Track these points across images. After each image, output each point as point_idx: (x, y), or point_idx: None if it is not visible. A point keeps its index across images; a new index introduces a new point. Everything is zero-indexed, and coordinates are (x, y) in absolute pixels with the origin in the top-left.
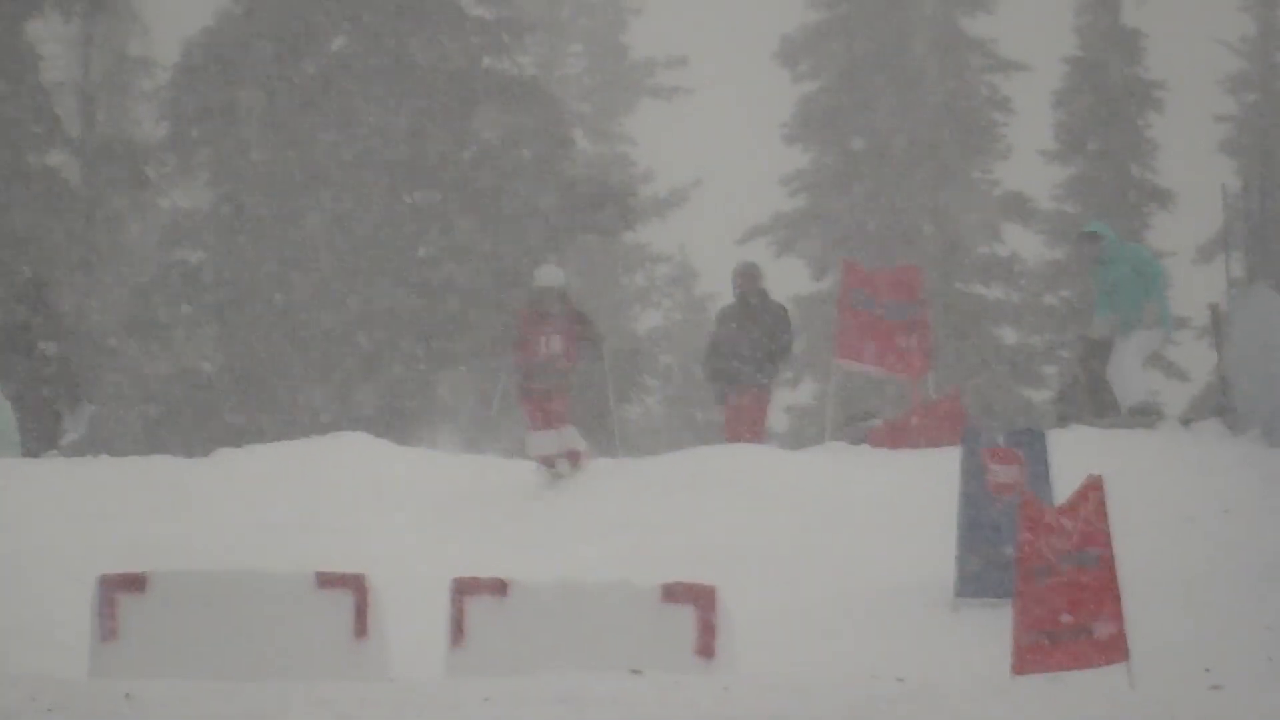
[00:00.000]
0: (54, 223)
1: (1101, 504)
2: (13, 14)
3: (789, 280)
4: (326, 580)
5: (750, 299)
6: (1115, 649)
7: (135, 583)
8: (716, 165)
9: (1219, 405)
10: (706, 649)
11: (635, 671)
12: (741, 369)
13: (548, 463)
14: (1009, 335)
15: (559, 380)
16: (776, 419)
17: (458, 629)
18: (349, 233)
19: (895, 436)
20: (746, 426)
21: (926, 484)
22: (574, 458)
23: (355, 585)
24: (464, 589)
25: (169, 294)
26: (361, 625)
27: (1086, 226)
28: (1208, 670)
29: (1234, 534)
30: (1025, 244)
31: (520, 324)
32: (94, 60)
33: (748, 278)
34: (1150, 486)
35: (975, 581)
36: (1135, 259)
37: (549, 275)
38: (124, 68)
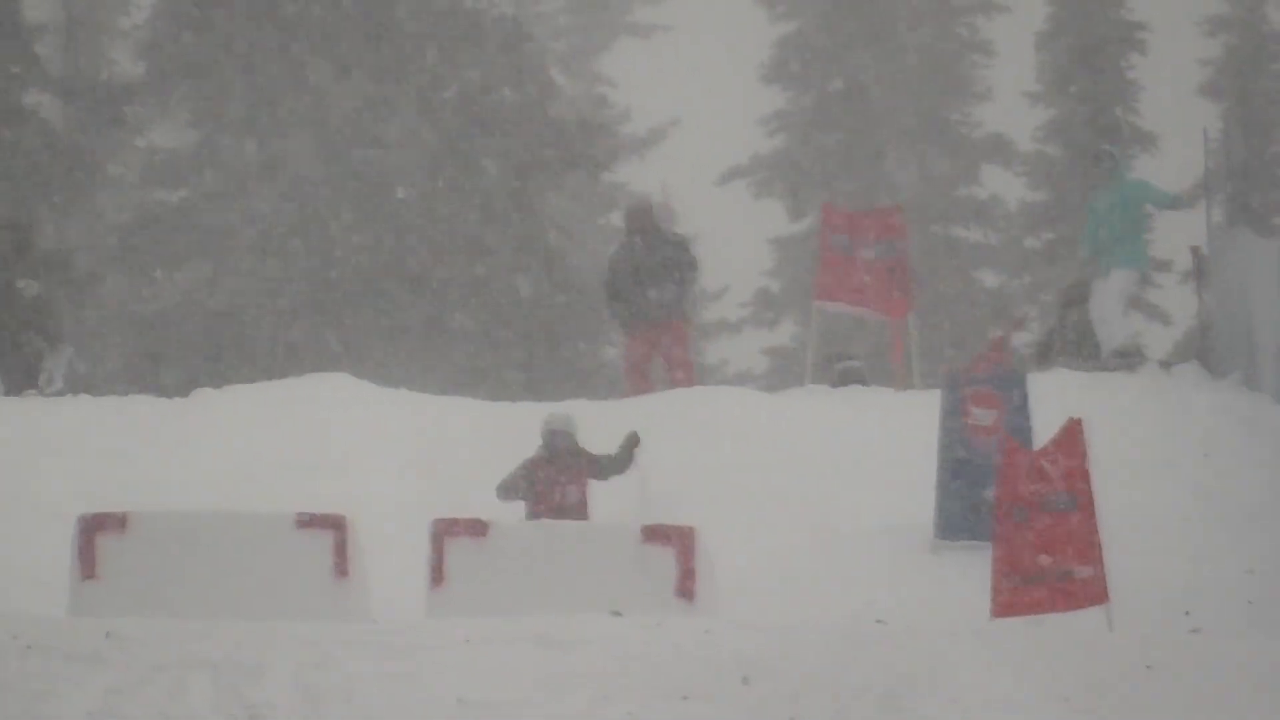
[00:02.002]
0: (33, 162)
1: (1081, 447)
2: None
3: (767, 221)
4: (307, 520)
5: (636, 239)
6: (1094, 591)
7: (115, 522)
8: (695, 105)
9: (1200, 348)
10: (687, 590)
11: (616, 613)
12: (644, 308)
13: None
14: (989, 277)
15: None
16: (755, 360)
17: (438, 570)
18: (328, 171)
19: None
20: (675, 370)
21: (906, 426)
22: None
23: (336, 525)
24: (444, 530)
25: (149, 234)
26: (342, 565)
27: (1102, 145)
28: (1187, 613)
29: (1214, 477)
30: (1006, 185)
31: (533, 473)
32: None
33: (634, 217)
34: (1130, 429)
35: (955, 524)
36: (1135, 190)
37: (561, 421)
38: (104, 5)
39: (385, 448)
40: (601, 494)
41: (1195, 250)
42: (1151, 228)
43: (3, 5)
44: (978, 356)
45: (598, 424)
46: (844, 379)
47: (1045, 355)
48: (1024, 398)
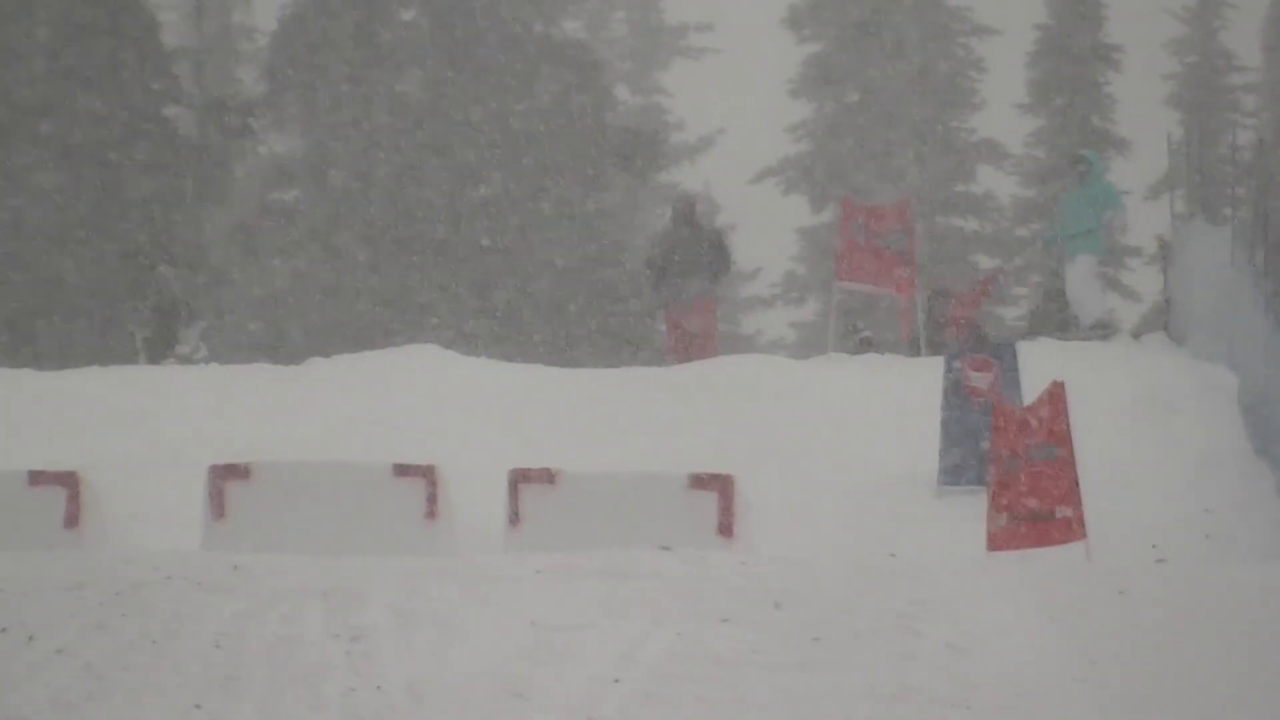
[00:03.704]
0: (171, 166)
1: (1063, 405)
2: None
3: (794, 214)
4: (402, 470)
5: (680, 230)
6: (1074, 529)
7: (240, 471)
8: (736, 115)
9: (1164, 321)
10: (726, 529)
11: (665, 548)
12: (679, 288)
13: None
14: (984, 261)
15: None
16: (785, 332)
17: (514, 512)
18: (419, 175)
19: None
20: (698, 339)
21: (913, 389)
22: None
23: (427, 474)
24: (519, 478)
25: (268, 226)
26: (432, 509)
27: (1079, 151)
28: (1154, 546)
29: (1176, 430)
30: (999, 183)
31: None
32: (205, 26)
33: (679, 211)
34: (1105, 390)
35: (955, 472)
36: (1102, 192)
37: None
38: (230, 33)
39: (469, 408)
40: (652, 449)
41: (1161, 238)
42: (1124, 223)
43: (145, 33)
44: (966, 292)
45: (651, 387)
46: (860, 347)
47: (1033, 319)
48: (1014, 363)
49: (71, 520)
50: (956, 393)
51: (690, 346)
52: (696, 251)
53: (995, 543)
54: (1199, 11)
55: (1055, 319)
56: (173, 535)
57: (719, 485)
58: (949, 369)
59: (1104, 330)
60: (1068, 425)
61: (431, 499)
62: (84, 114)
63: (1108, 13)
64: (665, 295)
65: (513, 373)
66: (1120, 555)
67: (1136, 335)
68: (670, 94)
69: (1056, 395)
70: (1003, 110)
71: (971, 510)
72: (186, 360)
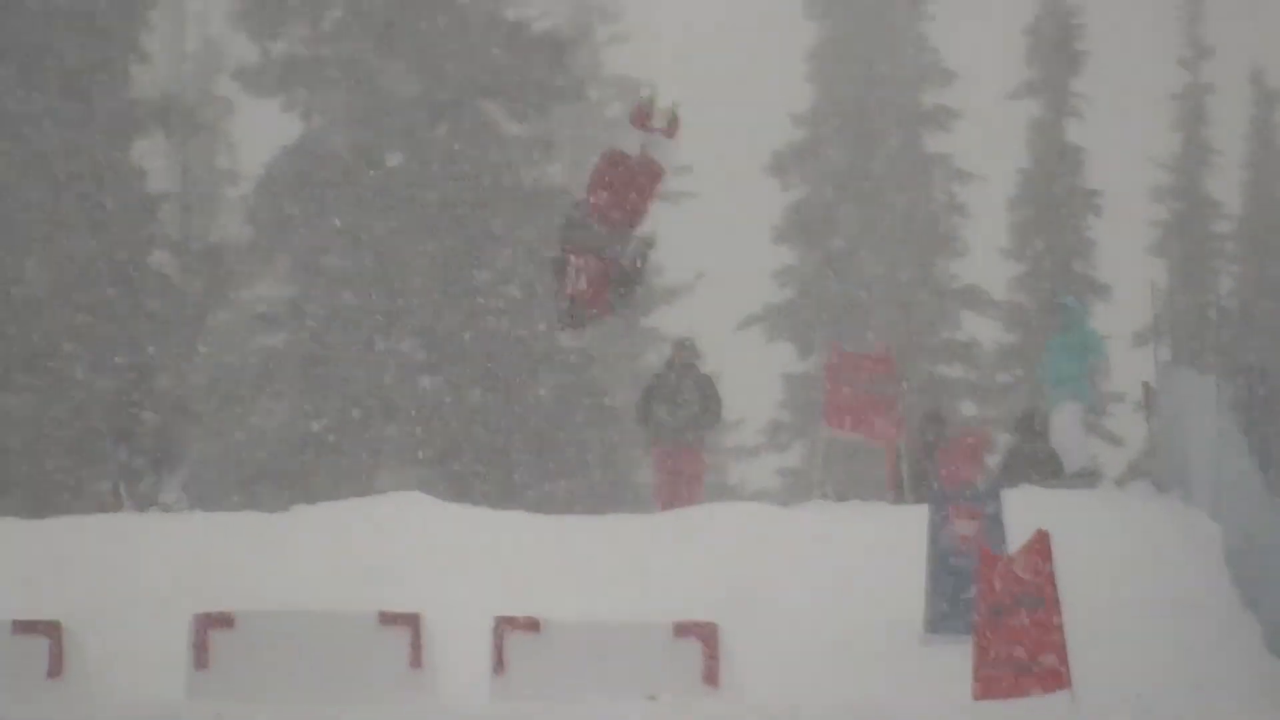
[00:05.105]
0: (155, 313)
1: (1048, 554)
2: (124, 134)
3: (779, 360)
4: (387, 618)
5: (672, 373)
6: (1059, 679)
7: (224, 620)
8: (718, 260)
9: (1150, 469)
10: (712, 678)
11: (651, 697)
12: (668, 431)
13: None
14: (968, 408)
15: None
16: (769, 480)
17: (499, 660)
18: (405, 325)
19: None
20: (685, 486)
21: (899, 536)
22: None
23: (411, 622)
24: (504, 626)
25: (252, 373)
26: (417, 657)
27: (1060, 297)
28: (1139, 696)
29: (1159, 577)
30: (982, 329)
31: None
32: (190, 172)
33: (678, 351)
34: (1090, 538)
35: (942, 620)
36: (1085, 339)
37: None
38: (214, 178)
39: (454, 555)
40: (636, 596)
41: (1146, 385)
42: (1107, 369)
43: (131, 180)
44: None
45: (637, 534)
46: (839, 497)
47: (1011, 472)
48: (999, 511)
49: (55, 670)
50: (942, 540)
51: (678, 492)
52: (688, 396)
53: (982, 691)
54: (1183, 159)
55: (1034, 462)
56: (156, 684)
57: (704, 633)
58: (934, 516)
59: (1088, 477)
60: (1053, 574)
61: (416, 647)
62: (65, 259)
63: (1087, 157)
64: (651, 433)
65: (497, 519)
66: (1105, 706)
67: (1122, 483)
68: (648, 242)
69: (1042, 544)
70: (986, 255)
71: (957, 658)
72: (169, 508)
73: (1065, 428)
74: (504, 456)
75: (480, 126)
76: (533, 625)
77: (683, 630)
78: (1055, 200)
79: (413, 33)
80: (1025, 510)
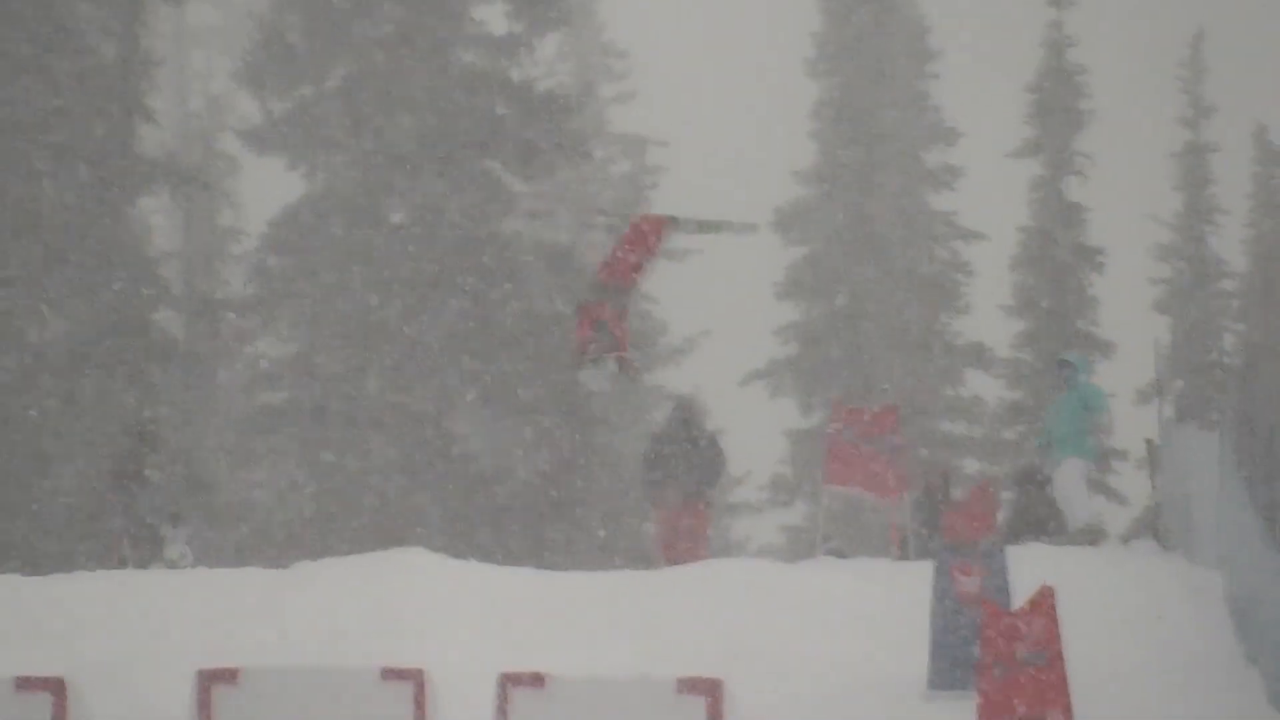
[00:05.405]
0: (159, 370)
1: (1053, 610)
2: (129, 193)
3: (782, 417)
4: (390, 674)
5: (678, 429)
6: None
7: (228, 676)
8: (721, 318)
9: (1154, 526)
10: None
11: None
12: (673, 486)
13: None
14: (971, 465)
15: None
16: (773, 536)
17: (503, 716)
18: (405, 386)
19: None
20: (689, 542)
21: (901, 593)
22: None
23: (415, 678)
24: (508, 681)
25: (255, 429)
26: (421, 713)
27: (1062, 355)
28: None
29: (1164, 636)
30: (986, 386)
31: None
32: (193, 230)
33: (682, 408)
34: (1094, 595)
35: (945, 676)
36: (1087, 395)
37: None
38: (217, 235)
39: (458, 611)
40: (640, 651)
41: (1149, 442)
42: (1109, 425)
43: (135, 240)
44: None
45: (641, 591)
46: (831, 555)
47: (1014, 529)
48: (1003, 568)
49: None
50: (946, 597)
51: (682, 548)
52: (692, 453)
53: None
54: (1186, 218)
55: (1037, 519)
56: None
57: (707, 689)
58: (938, 573)
59: (1092, 534)
60: (1057, 631)
61: (420, 703)
62: (70, 317)
63: (1090, 216)
64: (655, 488)
65: (501, 575)
66: None
67: (1125, 540)
68: (654, 299)
69: (1046, 600)
70: (990, 312)
71: (961, 715)
72: (174, 564)
73: (1068, 484)
74: (508, 513)
75: (484, 184)
76: (537, 681)
77: (687, 686)
78: (1058, 258)
79: (416, 91)
80: (1029, 567)
